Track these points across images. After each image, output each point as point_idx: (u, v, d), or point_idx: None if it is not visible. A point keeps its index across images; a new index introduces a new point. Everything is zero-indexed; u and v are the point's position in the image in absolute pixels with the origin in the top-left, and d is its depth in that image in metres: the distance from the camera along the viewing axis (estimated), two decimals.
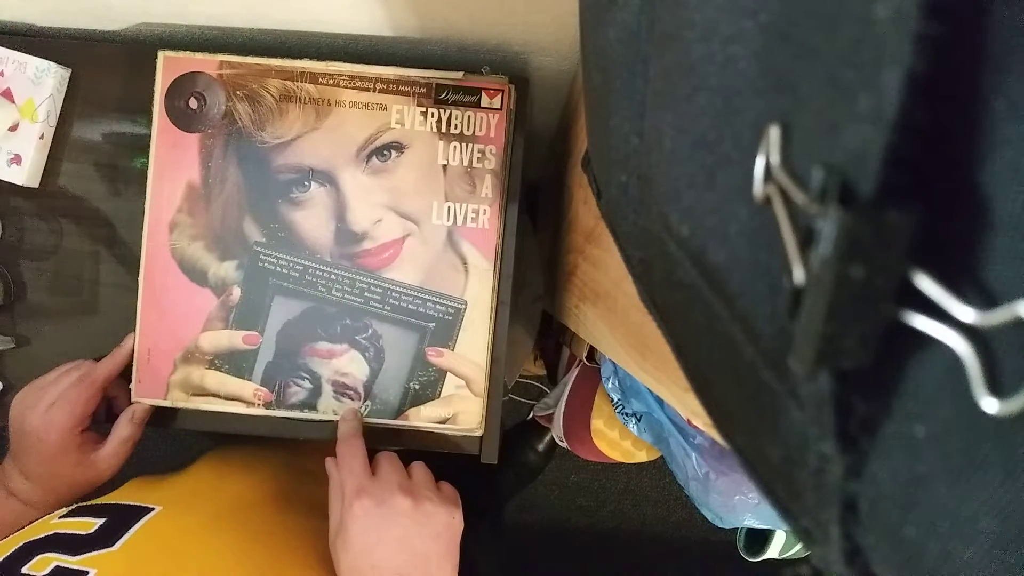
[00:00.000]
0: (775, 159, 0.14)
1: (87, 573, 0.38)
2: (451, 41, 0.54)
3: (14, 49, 0.52)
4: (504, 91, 0.51)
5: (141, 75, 0.51)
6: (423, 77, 0.51)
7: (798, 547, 0.88)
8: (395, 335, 0.52)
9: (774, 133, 0.14)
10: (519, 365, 0.91)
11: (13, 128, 0.52)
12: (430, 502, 0.45)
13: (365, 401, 0.53)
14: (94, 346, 0.54)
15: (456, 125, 0.51)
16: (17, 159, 0.52)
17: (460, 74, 0.51)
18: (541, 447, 1.23)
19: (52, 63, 0.52)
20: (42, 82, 0.52)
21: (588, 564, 1.36)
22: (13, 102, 0.52)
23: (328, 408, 0.53)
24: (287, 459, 0.59)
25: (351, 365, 0.52)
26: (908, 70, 0.10)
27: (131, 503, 0.46)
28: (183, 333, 0.52)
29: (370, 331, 0.52)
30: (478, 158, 0.52)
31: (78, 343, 0.55)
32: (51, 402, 0.49)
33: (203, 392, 0.52)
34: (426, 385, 0.53)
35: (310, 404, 0.53)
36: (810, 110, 0.13)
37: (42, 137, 0.53)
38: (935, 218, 0.12)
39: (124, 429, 0.51)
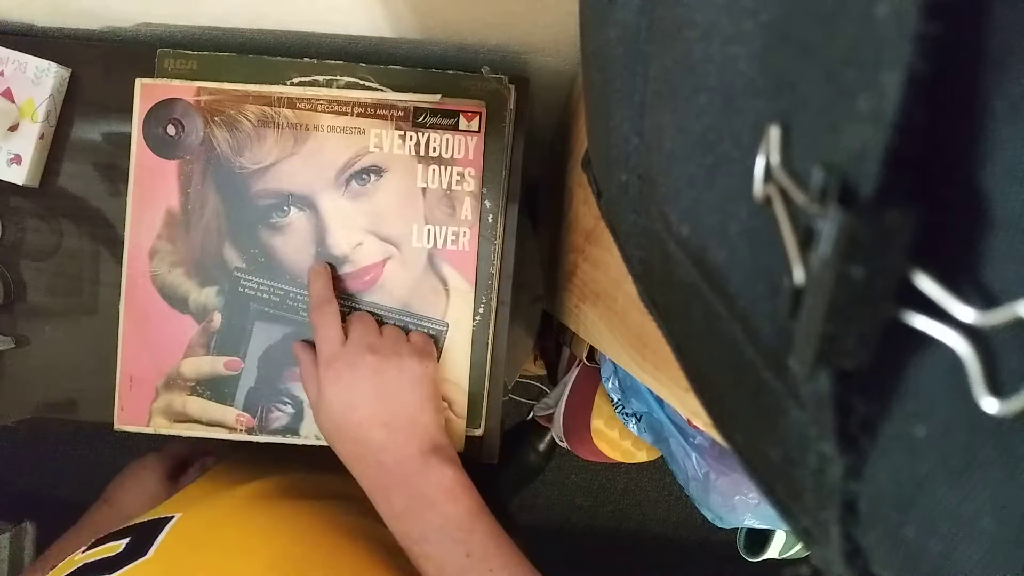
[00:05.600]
0: (775, 159, 0.14)
1: None
2: (451, 41, 0.54)
3: (14, 49, 0.52)
4: (481, 114, 0.51)
5: (141, 75, 0.51)
6: (400, 101, 0.51)
7: (798, 547, 0.88)
8: None
9: (774, 133, 0.14)
10: (519, 365, 0.92)
11: (13, 128, 0.52)
12: (398, 356, 0.47)
13: None
14: (94, 346, 0.54)
15: (435, 148, 0.51)
16: (17, 159, 0.52)
17: (438, 97, 0.51)
18: (541, 447, 1.23)
19: (52, 63, 0.52)
20: (42, 82, 0.52)
21: (588, 564, 1.36)
22: (13, 102, 0.52)
23: (310, 433, 0.53)
24: (291, 464, 0.59)
25: None
26: (908, 70, 0.10)
27: (149, 519, 0.46)
28: (165, 360, 0.52)
29: None
30: (457, 181, 0.52)
31: (78, 343, 0.55)
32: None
33: (185, 419, 0.52)
34: None
35: (292, 429, 0.53)
36: (810, 110, 0.13)
37: (42, 137, 0.53)
38: (935, 218, 0.12)
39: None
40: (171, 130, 0.51)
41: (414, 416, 0.46)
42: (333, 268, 0.52)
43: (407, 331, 0.51)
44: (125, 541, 0.43)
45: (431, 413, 0.47)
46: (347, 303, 0.52)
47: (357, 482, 0.56)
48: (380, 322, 0.51)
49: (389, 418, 0.45)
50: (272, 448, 0.54)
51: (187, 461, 0.64)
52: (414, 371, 0.47)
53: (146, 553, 0.41)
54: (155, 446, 0.58)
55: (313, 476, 0.56)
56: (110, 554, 0.42)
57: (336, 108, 0.51)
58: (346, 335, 0.48)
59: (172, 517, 0.45)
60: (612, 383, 0.78)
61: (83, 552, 0.43)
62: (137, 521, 0.46)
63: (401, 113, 0.51)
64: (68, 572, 0.41)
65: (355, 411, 0.45)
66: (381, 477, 0.44)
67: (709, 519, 0.75)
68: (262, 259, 0.52)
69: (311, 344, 0.50)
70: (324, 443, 0.52)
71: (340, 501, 0.51)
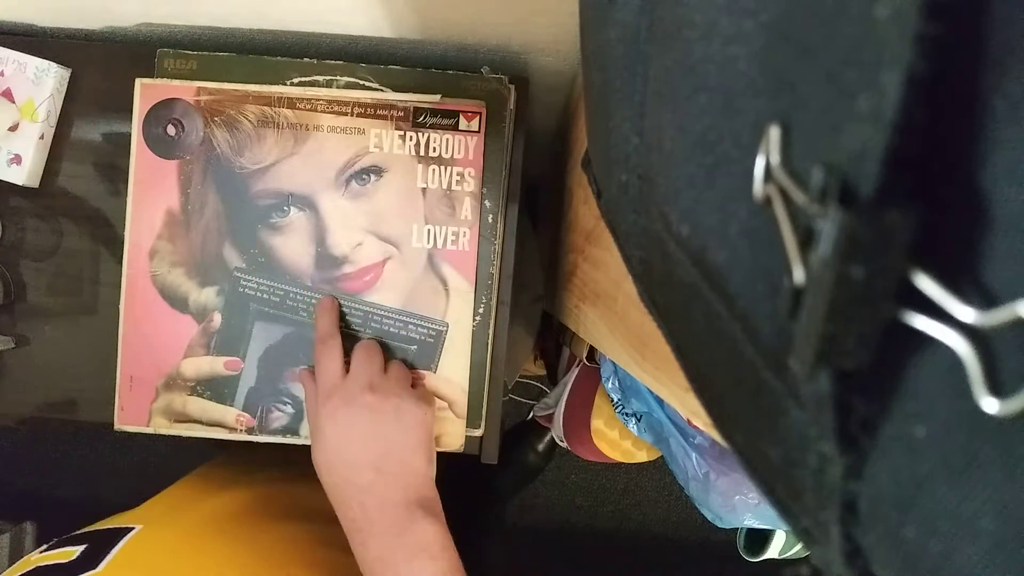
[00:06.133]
0: (775, 159, 0.14)
1: None
2: (451, 41, 0.54)
3: (14, 49, 0.52)
4: (481, 114, 0.51)
5: (141, 75, 0.51)
6: (401, 101, 0.51)
7: (798, 547, 0.88)
8: None
9: (774, 133, 0.14)
10: (519, 365, 0.92)
11: (13, 128, 0.52)
12: (398, 397, 0.46)
13: None
14: (94, 346, 0.54)
15: (434, 148, 0.51)
16: (17, 159, 0.52)
17: (437, 97, 0.51)
18: (541, 447, 1.23)
19: (52, 63, 0.52)
20: (42, 82, 0.52)
21: (588, 564, 1.36)
22: (13, 102, 0.52)
23: (310, 433, 0.53)
24: (270, 472, 0.59)
25: None
26: (908, 70, 0.10)
27: (111, 527, 0.45)
28: (165, 360, 0.52)
29: None
30: (456, 181, 0.52)
31: (78, 343, 0.55)
32: None
33: (185, 419, 0.52)
34: None
35: (292, 429, 0.53)
36: (810, 110, 0.13)
37: (42, 137, 0.53)
38: (935, 218, 0.12)
39: None
40: (171, 130, 0.51)
41: (405, 461, 0.45)
42: (334, 280, 0.52)
43: (412, 368, 0.51)
44: (81, 548, 0.42)
45: (423, 461, 0.46)
46: (347, 303, 0.52)
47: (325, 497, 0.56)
48: (388, 358, 0.51)
49: (379, 461, 0.44)
50: (258, 449, 0.54)
51: None
52: (412, 414, 0.46)
53: (97, 566, 0.40)
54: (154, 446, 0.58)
55: (289, 489, 0.55)
56: (63, 560, 0.41)
57: (336, 108, 0.51)
58: (350, 367, 0.47)
59: (131, 529, 0.44)
60: (612, 383, 0.78)
61: (40, 553, 0.43)
62: (97, 528, 0.46)
63: (401, 113, 0.51)
64: (21, 573, 0.40)
65: (347, 450, 0.44)
66: (362, 520, 0.43)
67: (709, 519, 0.75)
68: (262, 259, 0.52)
69: None
70: None
71: (310, 524, 0.50)
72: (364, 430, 0.44)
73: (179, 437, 0.53)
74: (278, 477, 0.58)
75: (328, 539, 0.50)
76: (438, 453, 0.53)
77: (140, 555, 0.43)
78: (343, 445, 0.44)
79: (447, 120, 0.51)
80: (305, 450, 0.51)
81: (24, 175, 0.53)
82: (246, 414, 0.52)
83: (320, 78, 0.52)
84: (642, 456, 0.90)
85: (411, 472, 0.45)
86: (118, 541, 0.43)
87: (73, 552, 0.42)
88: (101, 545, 0.43)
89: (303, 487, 0.56)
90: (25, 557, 0.43)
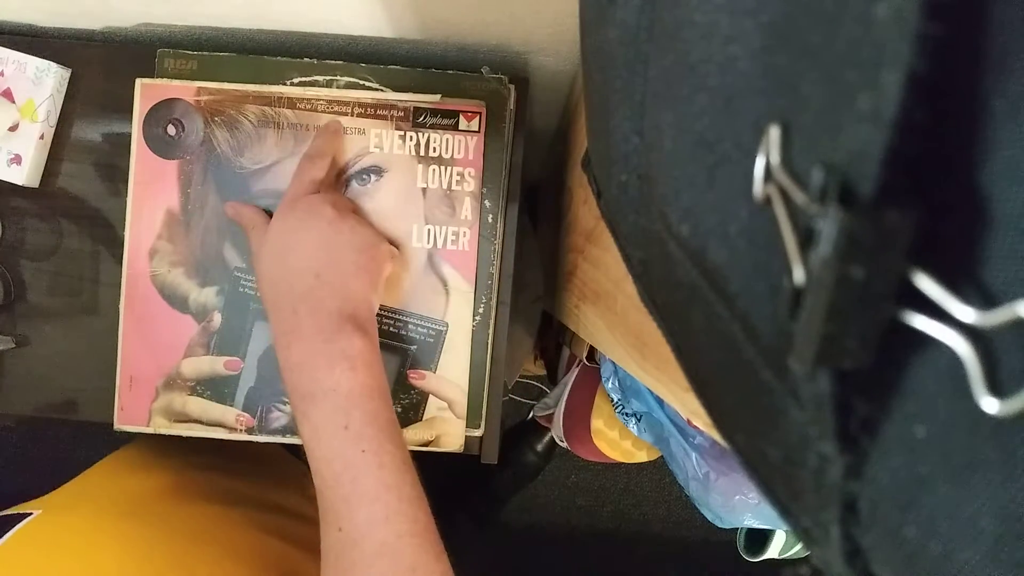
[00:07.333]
0: (775, 159, 0.14)
1: None
2: (451, 41, 0.54)
3: (14, 49, 0.52)
4: (481, 114, 0.51)
5: (141, 75, 0.51)
6: (401, 101, 0.51)
7: (798, 547, 0.88)
8: None
9: (774, 133, 0.14)
10: (519, 365, 0.92)
11: (13, 128, 0.52)
12: (357, 221, 0.45)
13: None
14: (94, 346, 0.54)
15: (434, 148, 0.51)
16: (17, 159, 0.52)
17: (437, 97, 0.51)
18: (541, 447, 1.23)
19: (52, 63, 0.52)
20: (42, 82, 0.52)
21: (588, 564, 1.36)
22: (13, 102, 0.52)
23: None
24: (190, 458, 0.58)
25: None
26: (908, 70, 0.10)
27: (10, 512, 0.44)
28: (165, 360, 0.52)
29: None
30: (457, 181, 0.52)
31: (78, 343, 0.55)
32: None
33: (185, 418, 0.52)
34: (408, 408, 0.53)
35: (292, 429, 0.52)
36: (810, 110, 0.13)
37: (42, 137, 0.53)
38: (935, 218, 0.12)
39: None
40: (171, 130, 0.51)
41: (347, 277, 0.43)
42: None
43: None
44: None
45: (365, 284, 0.44)
46: None
47: (259, 485, 0.54)
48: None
49: (321, 269, 0.43)
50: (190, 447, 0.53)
51: None
52: (366, 239, 0.45)
53: None
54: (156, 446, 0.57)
55: (213, 475, 0.54)
56: None
57: (336, 108, 0.51)
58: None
59: (29, 515, 0.43)
60: (612, 383, 0.78)
61: None
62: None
63: (401, 113, 0.51)
64: None
65: (292, 254, 0.43)
66: (291, 323, 0.42)
67: (709, 519, 0.75)
68: None
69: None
70: None
71: (234, 507, 0.49)
72: (314, 238, 0.43)
73: (179, 437, 0.53)
74: (201, 463, 0.57)
75: (254, 523, 0.49)
76: (437, 453, 0.53)
77: (33, 539, 0.41)
78: (290, 249, 0.43)
79: (447, 120, 0.51)
80: (239, 444, 0.51)
81: (24, 175, 0.52)
82: (246, 414, 0.52)
83: (320, 78, 0.52)
84: (642, 456, 0.90)
85: (350, 288, 0.43)
86: (12, 527, 0.42)
87: None
88: None
89: (229, 473, 0.54)
90: None
